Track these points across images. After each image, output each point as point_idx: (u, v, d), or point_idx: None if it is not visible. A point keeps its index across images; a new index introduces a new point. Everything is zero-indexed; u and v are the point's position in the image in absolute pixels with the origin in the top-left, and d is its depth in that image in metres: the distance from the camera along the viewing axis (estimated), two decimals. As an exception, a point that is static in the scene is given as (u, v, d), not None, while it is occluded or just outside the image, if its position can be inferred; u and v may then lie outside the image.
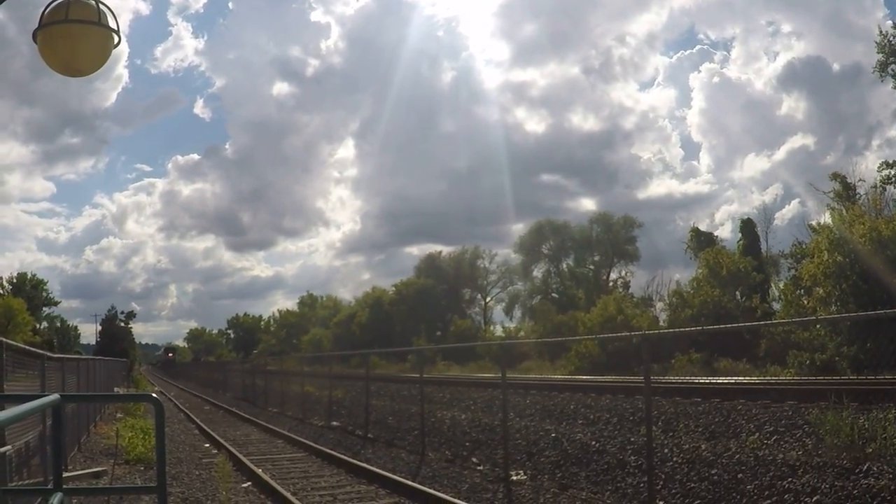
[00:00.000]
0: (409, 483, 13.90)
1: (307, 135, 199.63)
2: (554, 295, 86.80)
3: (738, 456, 11.77)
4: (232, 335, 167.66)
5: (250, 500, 13.41)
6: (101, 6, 5.94)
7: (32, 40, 5.95)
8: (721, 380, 23.55)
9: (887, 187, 40.87)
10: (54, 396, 4.50)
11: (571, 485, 13.19)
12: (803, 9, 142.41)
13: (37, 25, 5.93)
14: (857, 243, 31.22)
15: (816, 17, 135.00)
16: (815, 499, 9.64)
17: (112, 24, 5.98)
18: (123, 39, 6.17)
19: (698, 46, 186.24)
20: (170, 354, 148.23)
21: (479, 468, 15.63)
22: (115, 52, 6.11)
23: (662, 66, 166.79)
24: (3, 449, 8.57)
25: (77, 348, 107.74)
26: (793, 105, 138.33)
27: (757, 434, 13.11)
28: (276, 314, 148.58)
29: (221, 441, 21.44)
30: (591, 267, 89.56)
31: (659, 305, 66.58)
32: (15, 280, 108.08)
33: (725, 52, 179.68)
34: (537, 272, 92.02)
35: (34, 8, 6.13)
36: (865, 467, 9.91)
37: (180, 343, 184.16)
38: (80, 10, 5.87)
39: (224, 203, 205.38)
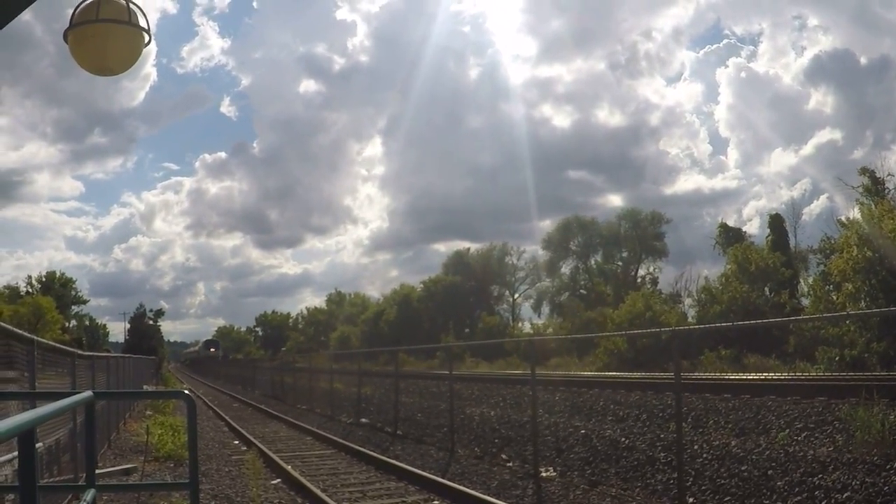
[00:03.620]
0: (439, 479, 13.94)
1: (335, 132, 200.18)
2: (582, 291, 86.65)
3: (768, 452, 11.69)
4: (260, 333, 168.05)
5: (280, 497, 13.46)
6: (131, 5, 5.96)
7: (63, 40, 5.97)
8: (750, 376, 23.37)
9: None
10: (87, 393, 4.50)
11: (601, 481, 13.17)
12: (830, 2, 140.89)
13: (67, 25, 5.96)
14: (886, 238, 30.89)
15: (843, 11, 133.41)
16: (845, 495, 9.56)
17: (142, 23, 6.01)
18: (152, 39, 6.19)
19: (725, 41, 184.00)
20: (212, 349, 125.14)
21: (508, 465, 15.64)
22: (143, 51, 6.13)
23: (689, 61, 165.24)
24: (35, 446, 8.65)
25: (106, 346, 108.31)
26: (820, 99, 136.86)
27: (787, 430, 13.03)
28: (305, 311, 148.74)
29: (251, 438, 21.57)
30: (619, 263, 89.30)
31: (687, 301, 66.45)
32: (44, 279, 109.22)
33: (752, 47, 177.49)
34: (565, 269, 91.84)
35: (60, 8, 6.17)
36: (898, 464, 9.82)
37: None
38: (110, 10, 5.88)
39: (252, 201, 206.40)
